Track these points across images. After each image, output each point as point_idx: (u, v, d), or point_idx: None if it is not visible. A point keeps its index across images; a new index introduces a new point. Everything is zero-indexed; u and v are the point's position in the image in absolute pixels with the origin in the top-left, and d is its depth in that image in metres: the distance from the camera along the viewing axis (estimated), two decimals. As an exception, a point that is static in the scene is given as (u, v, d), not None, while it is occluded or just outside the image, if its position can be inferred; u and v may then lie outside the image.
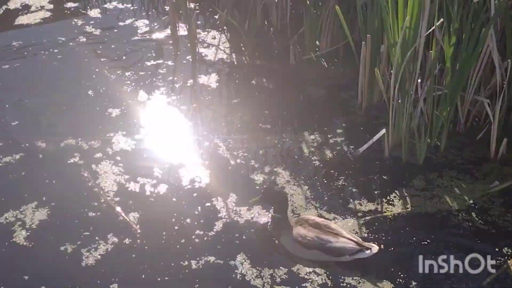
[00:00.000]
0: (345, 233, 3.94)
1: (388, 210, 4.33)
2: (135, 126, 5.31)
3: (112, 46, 6.66)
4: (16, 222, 4.22)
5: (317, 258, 3.93)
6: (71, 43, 6.68)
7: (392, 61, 4.56)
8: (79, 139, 5.09)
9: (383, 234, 4.11)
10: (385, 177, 4.66)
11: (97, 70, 6.19)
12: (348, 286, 3.74)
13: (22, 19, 7.16)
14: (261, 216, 4.28)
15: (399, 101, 4.63)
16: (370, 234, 4.11)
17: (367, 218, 4.25)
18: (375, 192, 4.52)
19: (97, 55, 6.49)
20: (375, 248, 3.89)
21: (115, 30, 6.98)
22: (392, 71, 4.61)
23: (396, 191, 4.50)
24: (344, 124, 5.32)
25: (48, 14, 7.29)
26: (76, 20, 7.15)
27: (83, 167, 4.76)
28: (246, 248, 4.02)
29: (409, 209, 4.34)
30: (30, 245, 4.04)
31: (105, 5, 7.58)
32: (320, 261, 3.92)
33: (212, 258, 3.92)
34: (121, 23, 7.13)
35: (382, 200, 4.42)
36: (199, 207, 4.36)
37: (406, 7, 4.33)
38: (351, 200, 4.44)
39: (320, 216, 4.26)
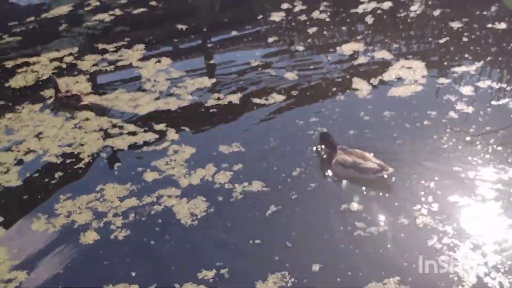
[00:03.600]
0: (373, 159, 5.78)
1: None
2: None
3: (486, 127, 6.48)
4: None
5: (351, 174, 5.82)
6: (443, 120, 6.74)
7: None
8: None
9: None
10: None
11: (463, 147, 6.13)
12: None
13: (396, 91, 7.49)
14: None
15: None
16: None
17: None
18: None
19: (462, 133, 6.42)
20: (391, 170, 5.62)
21: (488, 109, 6.79)
22: None
23: None
24: None
25: (419, 88, 7.50)
26: (449, 96, 7.21)
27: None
28: None
29: None
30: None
31: (478, 83, 7.43)
32: (353, 177, 5.80)
33: None
34: (494, 102, 6.93)
35: None
36: None
37: None
38: None
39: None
